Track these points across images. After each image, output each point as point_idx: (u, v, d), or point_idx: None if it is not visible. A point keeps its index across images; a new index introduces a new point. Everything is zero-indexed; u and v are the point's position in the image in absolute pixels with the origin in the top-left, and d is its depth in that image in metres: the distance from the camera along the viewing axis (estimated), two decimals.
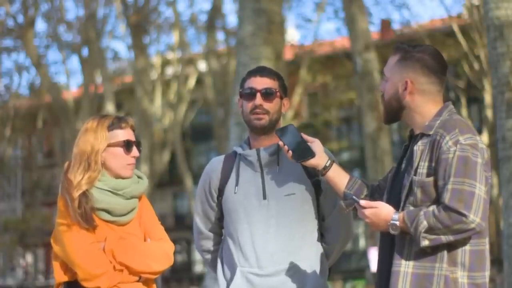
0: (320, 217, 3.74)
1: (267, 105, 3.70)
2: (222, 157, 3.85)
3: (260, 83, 3.72)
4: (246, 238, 3.65)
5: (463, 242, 3.15)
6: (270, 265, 3.61)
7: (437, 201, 3.12)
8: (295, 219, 3.65)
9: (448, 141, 3.13)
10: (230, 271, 3.70)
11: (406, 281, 3.14)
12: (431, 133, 3.21)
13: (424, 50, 3.30)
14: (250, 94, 3.70)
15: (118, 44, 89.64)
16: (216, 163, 3.82)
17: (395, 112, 3.33)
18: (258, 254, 3.62)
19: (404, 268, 3.15)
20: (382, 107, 3.38)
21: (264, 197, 3.66)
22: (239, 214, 3.68)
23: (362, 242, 35.40)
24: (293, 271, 3.62)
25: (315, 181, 3.69)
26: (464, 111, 24.49)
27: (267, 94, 3.71)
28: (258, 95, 3.70)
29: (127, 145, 3.56)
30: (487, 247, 3.22)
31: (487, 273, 3.21)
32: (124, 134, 3.57)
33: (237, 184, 3.71)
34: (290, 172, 3.68)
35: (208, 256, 3.91)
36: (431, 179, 3.15)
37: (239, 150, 3.77)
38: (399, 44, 3.39)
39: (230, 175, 3.75)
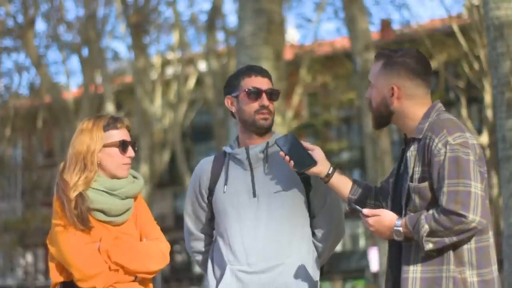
0: (311, 214, 3.74)
1: (271, 106, 3.71)
2: (211, 157, 3.84)
3: (263, 83, 3.72)
4: (236, 235, 3.65)
5: (467, 241, 3.15)
6: (260, 262, 3.60)
7: (436, 204, 3.12)
8: (285, 216, 3.64)
9: (437, 143, 3.14)
10: (220, 270, 3.69)
11: (415, 287, 3.14)
12: (420, 137, 3.21)
13: (406, 54, 3.31)
14: (255, 94, 3.68)
15: (118, 44, 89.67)
16: (205, 164, 3.82)
17: (384, 118, 3.35)
18: (248, 251, 3.62)
19: (413, 274, 3.16)
20: (371, 113, 3.39)
21: (254, 195, 3.65)
22: (229, 212, 3.68)
23: (362, 242, 35.36)
24: (283, 267, 3.61)
25: (305, 178, 3.69)
26: (464, 111, 24.48)
27: (272, 95, 3.72)
28: (264, 95, 3.69)
29: (122, 145, 3.57)
30: (492, 241, 3.22)
31: (495, 267, 3.22)
32: (119, 134, 3.58)
33: (226, 183, 3.70)
34: (279, 169, 3.67)
35: (199, 258, 3.90)
36: (426, 184, 3.16)
37: (228, 149, 3.77)
38: (380, 50, 3.41)
39: (220, 174, 3.74)
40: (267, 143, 3.70)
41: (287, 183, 3.66)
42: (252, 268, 3.61)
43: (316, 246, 3.75)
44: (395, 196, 3.32)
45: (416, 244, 3.15)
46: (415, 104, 3.29)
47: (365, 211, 3.21)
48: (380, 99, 3.32)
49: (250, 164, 3.69)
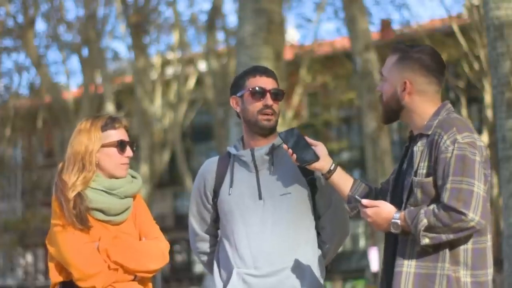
0: (316, 216, 3.73)
1: (275, 106, 3.70)
2: (216, 158, 3.83)
3: (268, 83, 3.71)
4: (242, 239, 3.64)
5: (465, 241, 3.15)
6: (266, 265, 3.60)
7: (437, 200, 3.13)
8: (291, 219, 3.63)
9: (446, 140, 3.14)
10: (227, 273, 3.69)
11: (408, 282, 3.14)
12: (429, 133, 3.22)
13: (422, 50, 3.31)
14: (259, 94, 3.67)
15: (118, 44, 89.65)
16: (210, 165, 3.80)
17: (394, 112, 3.35)
18: (254, 255, 3.61)
19: (407, 268, 3.16)
20: (381, 107, 3.39)
21: (260, 197, 3.65)
22: (234, 215, 3.67)
23: (362, 242, 35.37)
24: (290, 270, 3.60)
25: (310, 180, 3.68)
26: (464, 111, 24.50)
27: (276, 95, 3.71)
28: (268, 95, 3.69)
29: (120, 145, 3.57)
30: (489, 244, 3.22)
31: (490, 270, 3.22)
32: (117, 134, 3.58)
33: (231, 185, 3.69)
34: (285, 172, 3.67)
35: (204, 258, 3.90)
36: (430, 179, 3.16)
37: (233, 150, 3.75)
38: (397, 44, 3.40)
39: (225, 176, 3.73)
40: (273, 144, 3.69)
41: (293, 185, 3.65)
42: (259, 271, 3.61)
43: (321, 247, 3.74)
44: (395, 192, 3.32)
45: (412, 238, 3.15)
46: (425, 101, 3.29)
47: (364, 201, 3.22)
48: (391, 93, 3.32)
49: (255, 166, 3.68)
